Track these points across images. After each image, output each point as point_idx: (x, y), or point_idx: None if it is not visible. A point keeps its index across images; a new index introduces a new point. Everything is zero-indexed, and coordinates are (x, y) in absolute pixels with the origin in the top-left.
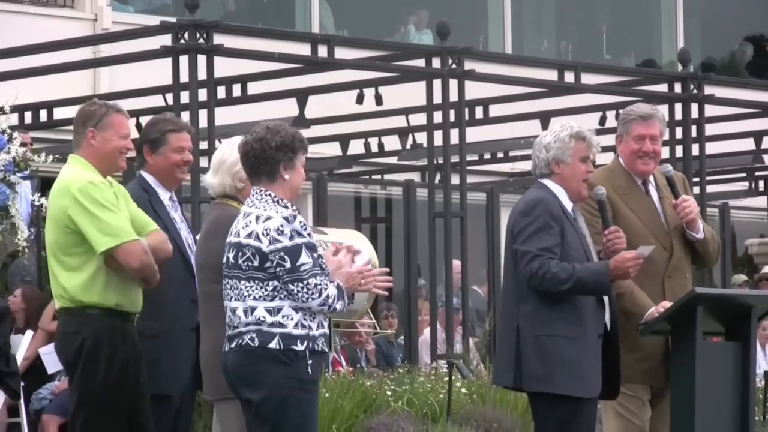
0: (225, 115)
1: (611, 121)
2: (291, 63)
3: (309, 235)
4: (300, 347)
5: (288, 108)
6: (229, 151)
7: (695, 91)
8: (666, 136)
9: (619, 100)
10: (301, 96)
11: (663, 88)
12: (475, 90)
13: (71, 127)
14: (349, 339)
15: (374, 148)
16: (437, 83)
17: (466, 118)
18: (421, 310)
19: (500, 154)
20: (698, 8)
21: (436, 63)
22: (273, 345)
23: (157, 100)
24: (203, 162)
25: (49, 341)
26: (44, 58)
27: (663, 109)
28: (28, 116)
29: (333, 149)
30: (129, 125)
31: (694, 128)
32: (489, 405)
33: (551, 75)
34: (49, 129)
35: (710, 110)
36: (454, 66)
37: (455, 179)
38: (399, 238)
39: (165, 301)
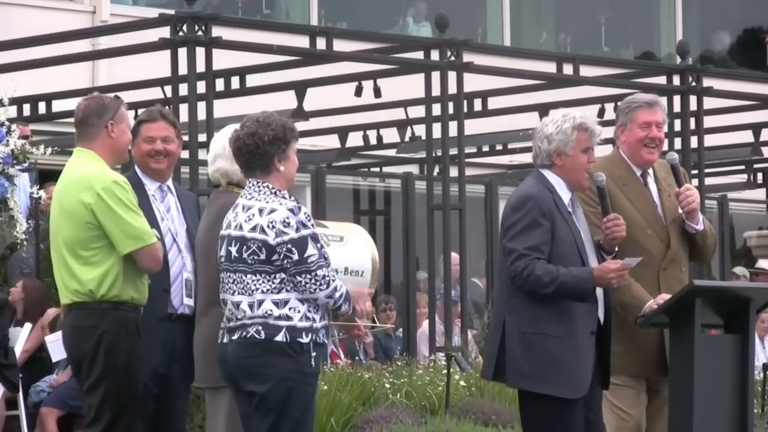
0: (224, 108)
1: (610, 114)
2: (289, 55)
3: (313, 226)
4: (305, 339)
5: (286, 100)
6: (223, 139)
7: (694, 84)
8: (665, 128)
9: (618, 93)
10: (300, 88)
11: (661, 80)
12: (473, 82)
13: (70, 120)
14: (347, 332)
15: (373, 141)
16: (436, 75)
17: (465, 110)
18: (419, 302)
19: (499, 147)
20: (697, 0)
21: (435, 55)
22: (279, 338)
23: (155, 93)
24: (202, 154)
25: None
26: (43, 51)
27: (661, 102)
28: (26, 108)
29: (331, 141)
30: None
31: (692, 120)
32: (487, 397)
33: (550, 67)
34: (48, 121)
35: (709, 102)
36: (452, 58)
37: (454, 171)
38: (397, 231)
39: None
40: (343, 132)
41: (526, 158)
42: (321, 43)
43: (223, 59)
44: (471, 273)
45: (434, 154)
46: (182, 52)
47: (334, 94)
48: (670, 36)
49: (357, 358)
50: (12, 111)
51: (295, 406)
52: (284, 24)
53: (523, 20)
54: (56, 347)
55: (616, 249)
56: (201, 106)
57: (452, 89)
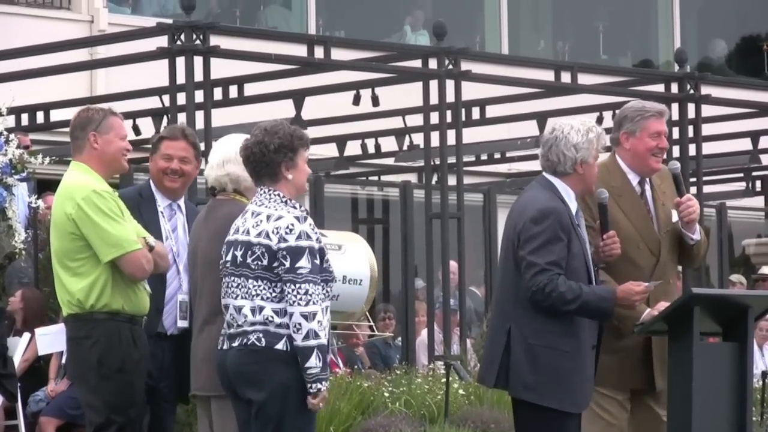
0: (222, 117)
1: (608, 122)
2: (288, 64)
3: (318, 240)
4: None
5: (285, 109)
6: (235, 145)
7: (692, 91)
8: None
9: (616, 101)
10: (298, 97)
11: (660, 88)
12: (471, 91)
13: (68, 129)
14: (346, 341)
15: (371, 149)
16: (434, 84)
17: (463, 118)
18: (418, 311)
19: (497, 155)
20: (695, 8)
21: (433, 64)
22: (280, 346)
23: (153, 102)
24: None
25: None
26: (41, 60)
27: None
28: (24, 118)
29: (330, 150)
30: (125, 127)
31: (690, 128)
32: (486, 406)
33: (548, 75)
34: (46, 131)
35: (707, 110)
36: (450, 67)
37: (452, 180)
38: (396, 239)
39: None
40: (341, 141)
41: (525, 167)
42: (319, 52)
43: (221, 68)
44: (469, 281)
45: (432, 163)
46: (180, 61)
47: (333, 103)
48: (669, 44)
49: (356, 366)
50: (10, 120)
51: (294, 416)
52: (282, 33)
53: (521, 28)
54: (45, 341)
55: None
56: (199, 115)
57: (450, 98)
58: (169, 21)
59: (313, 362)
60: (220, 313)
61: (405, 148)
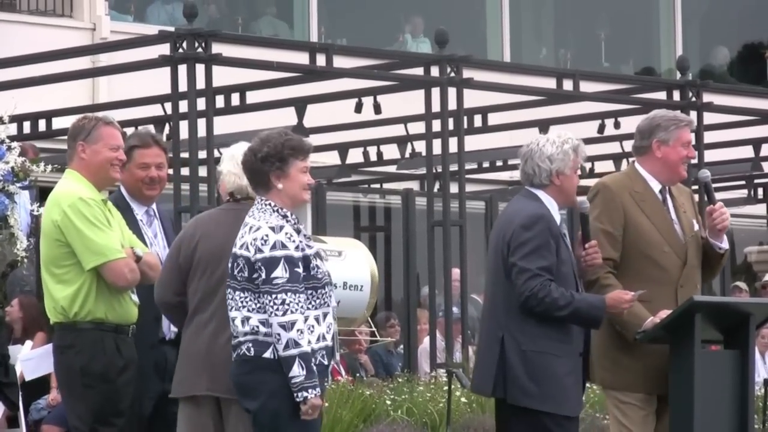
0: (224, 125)
1: (610, 129)
2: (289, 72)
3: (299, 248)
4: None
5: (287, 117)
6: None
7: (694, 99)
8: None
9: (618, 108)
10: (300, 105)
11: (662, 95)
12: (473, 98)
13: None
14: (349, 347)
15: (373, 157)
16: (436, 92)
17: (465, 126)
18: (420, 318)
19: (499, 163)
20: (696, 16)
21: (435, 71)
22: (268, 354)
23: (155, 110)
24: (202, 171)
25: None
26: (43, 68)
27: None
28: (26, 126)
29: (332, 158)
30: (120, 137)
31: (692, 136)
32: (488, 413)
33: (550, 83)
34: (48, 139)
35: (709, 118)
36: (452, 74)
37: (454, 188)
38: (398, 247)
39: None
40: (343, 148)
41: (522, 174)
42: (321, 60)
43: (223, 76)
44: (471, 289)
45: (434, 171)
46: (182, 69)
47: (334, 111)
48: (670, 51)
49: (358, 374)
50: (12, 128)
51: (288, 423)
52: (284, 40)
53: (522, 36)
54: (29, 365)
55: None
56: (201, 123)
57: (452, 105)
58: (171, 29)
59: (296, 371)
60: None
61: (407, 155)
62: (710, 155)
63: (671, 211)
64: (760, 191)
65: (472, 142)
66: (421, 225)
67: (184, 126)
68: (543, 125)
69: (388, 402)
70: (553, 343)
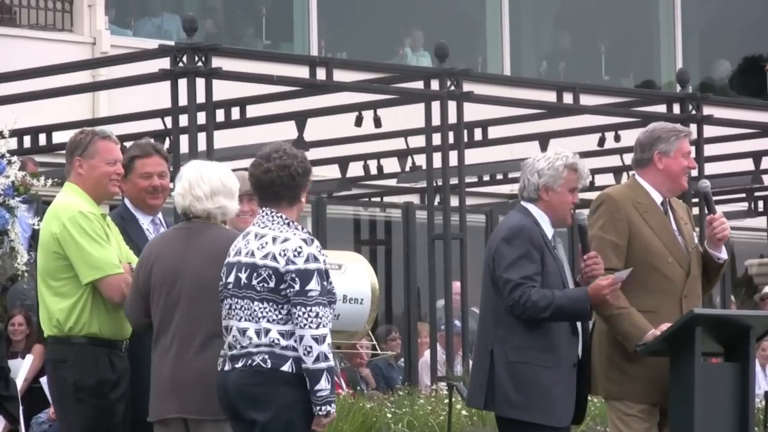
0: (224, 139)
1: (610, 143)
2: (289, 86)
3: (324, 262)
4: None
5: (287, 131)
6: (229, 175)
7: (694, 112)
8: None
9: (618, 121)
10: (300, 119)
11: (662, 108)
12: (473, 112)
13: None
14: (350, 361)
15: (373, 171)
16: (436, 105)
17: (465, 139)
18: (420, 332)
19: (499, 176)
20: (696, 29)
21: (435, 85)
22: (286, 368)
23: (155, 124)
24: None
25: None
26: (43, 82)
27: None
28: (27, 140)
29: (332, 172)
30: (117, 151)
31: (693, 149)
32: (489, 427)
33: (550, 96)
34: (48, 153)
35: (709, 131)
36: (452, 88)
37: (454, 201)
38: (398, 261)
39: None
40: (343, 162)
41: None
42: (321, 74)
43: (223, 90)
44: (472, 302)
45: (435, 184)
46: (182, 83)
47: (335, 124)
48: (670, 64)
49: (359, 388)
50: (12, 143)
51: None
52: (284, 54)
53: (523, 49)
54: None
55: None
56: (201, 137)
57: (452, 119)
58: (171, 43)
59: (323, 385)
60: (217, 336)
61: (407, 169)
62: (710, 168)
63: (673, 223)
64: (761, 204)
65: (473, 156)
66: (422, 238)
67: (184, 140)
68: (543, 138)
69: (389, 415)
70: (540, 353)
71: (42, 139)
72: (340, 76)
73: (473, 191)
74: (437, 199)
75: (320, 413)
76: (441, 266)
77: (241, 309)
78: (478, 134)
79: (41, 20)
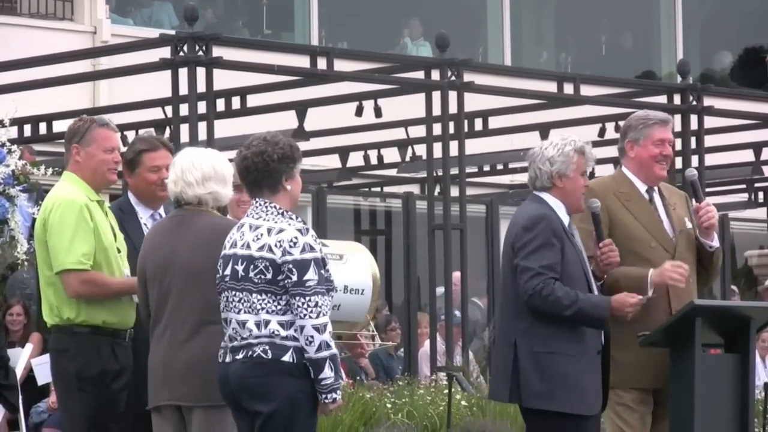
0: (224, 128)
1: (610, 133)
2: (290, 75)
3: (321, 250)
4: None
5: (287, 120)
6: (220, 161)
7: (694, 103)
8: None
9: (619, 112)
10: (301, 108)
11: (662, 99)
12: (474, 102)
13: None
14: (350, 351)
15: (373, 161)
16: (436, 95)
17: (466, 130)
18: (420, 322)
19: (500, 166)
20: (697, 20)
21: (436, 75)
22: (287, 358)
23: (156, 113)
24: None
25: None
26: (43, 71)
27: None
28: (27, 129)
29: (332, 161)
30: (116, 139)
31: (693, 140)
32: (489, 417)
33: (550, 87)
34: (49, 142)
35: (709, 122)
36: (453, 78)
37: (455, 191)
38: (398, 251)
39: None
40: (343, 152)
41: (527, 178)
42: (322, 63)
43: (223, 79)
44: (472, 292)
45: (435, 174)
46: (183, 73)
47: (335, 114)
48: (671, 55)
49: (359, 378)
50: (13, 132)
51: (301, 427)
52: (285, 44)
53: (523, 40)
54: (42, 370)
55: (605, 276)
56: (202, 127)
57: (453, 109)
58: (172, 32)
59: (327, 373)
60: (206, 324)
61: (407, 159)
62: (711, 159)
63: (660, 209)
64: (761, 195)
65: (473, 146)
66: (422, 228)
67: (185, 129)
68: (544, 129)
69: (389, 405)
70: (565, 343)
71: (42, 128)
72: (341, 65)
73: (473, 181)
74: (437, 189)
75: (326, 401)
76: (441, 256)
77: (240, 301)
78: (478, 124)
79: (42, 9)
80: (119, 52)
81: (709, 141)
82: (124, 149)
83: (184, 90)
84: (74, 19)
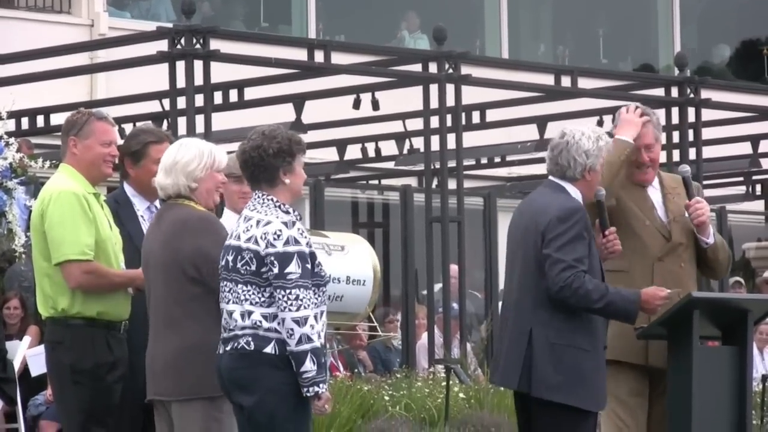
0: (222, 121)
1: (608, 126)
2: (288, 68)
3: (307, 244)
4: None
5: (285, 113)
6: (182, 151)
7: (692, 95)
8: (663, 141)
9: (616, 105)
10: (298, 101)
11: (660, 92)
12: (471, 95)
13: None
14: (350, 343)
15: (371, 153)
16: (434, 88)
17: (463, 122)
18: (418, 314)
19: (497, 159)
20: (695, 12)
21: (433, 68)
22: (269, 350)
23: (153, 106)
24: None
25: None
26: (41, 64)
27: (660, 113)
28: (25, 122)
29: (330, 154)
30: (113, 132)
31: (690, 132)
32: (487, 409)
33: (548, 80)
34: (46, 135)
35: (707, 114)
36: (450, 71)
37: (452, 184)
38: (396, 243)
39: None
40: (341, 144)
41: (525, 170)
42: (319, 56)
43: (221, 72)
44: (470, 285)
45: (432, 167)
46: (180, 65)
47: (333, 107)
48: (669, 48)
49: (356, 370)
50: (10, 124)
51: (286, 419)
52: (282, 37)
53: (521, 32)
54: (36, 361)
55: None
56: (199, 119)
57: (450, 102)
58: (170, 25)
59: (308, 366)
60: (174, 319)
61: (405, 151)
62: (708, 151)
63: (653, 197)
64: (758, 187)
65: (470, 139)
66: (420, 221)
67: (182, 122)
68: (541, 122)
69: (387, 398)
70: (582, 337)
71: (40, 120)
72: (338, 58)
73: (471, 174)
74: (435, 182)
75: (308, 394)
76: (439, 249)
77: (230, 291)
78: (476, 117)
79: (39, 2)
80: (117, 45)
81: (707, 133)
82: (120, 142)
83: (181, 83)
84: (72, 12)
